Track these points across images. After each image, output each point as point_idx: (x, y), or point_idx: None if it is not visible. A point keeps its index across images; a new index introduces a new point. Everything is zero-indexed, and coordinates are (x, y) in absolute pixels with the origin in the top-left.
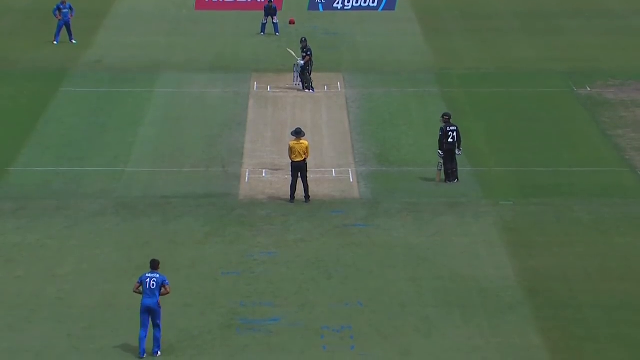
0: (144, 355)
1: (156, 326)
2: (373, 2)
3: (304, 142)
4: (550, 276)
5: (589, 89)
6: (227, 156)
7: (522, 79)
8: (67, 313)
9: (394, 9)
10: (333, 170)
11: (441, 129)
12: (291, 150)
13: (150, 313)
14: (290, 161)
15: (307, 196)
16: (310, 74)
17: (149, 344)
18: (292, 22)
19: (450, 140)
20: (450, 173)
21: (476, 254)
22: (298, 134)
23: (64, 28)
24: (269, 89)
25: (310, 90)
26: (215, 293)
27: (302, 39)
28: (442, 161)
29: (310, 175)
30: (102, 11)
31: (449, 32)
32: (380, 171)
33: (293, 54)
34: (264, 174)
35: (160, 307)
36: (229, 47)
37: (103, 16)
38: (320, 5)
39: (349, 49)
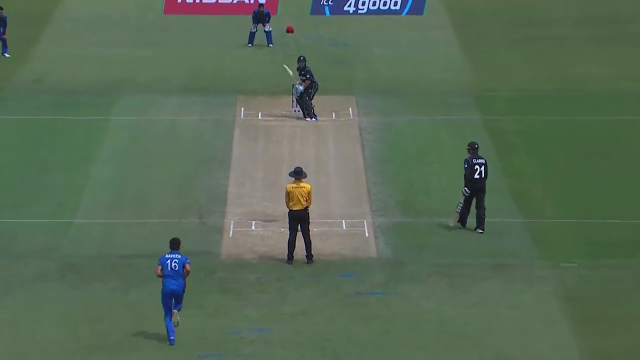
0: (174, 342)
1: (178, 304)
2: (395, 5)
3: (305, 185)
4: None
5: None
6: (205, 203)
7: (587, 103)
8: None
9: (421, 13)
10: (343, 221)
11: (466, 161)
12: (289, 195)
13: (175, 297)
14: (288, 210)
15: (309, 255)
16: (311, 99)
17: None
18: (289, 30)
19: (477, 176)
20: (478, 219)
21: (530, 330)
22: (298, 174)
23: None
24: (259, 117)
25: (313, 119)
26: None
27: (299, 58)
28: (462, 203)
29: (313, 229)
30: (44, 15)
31: (493, 42)
32: (405, 223)
33: (290, 71)
34: (253, 227)
35: (184, 290)
36: (208, 62)
37: (45, 21)
38: (326, 9)
39: (363, 64)
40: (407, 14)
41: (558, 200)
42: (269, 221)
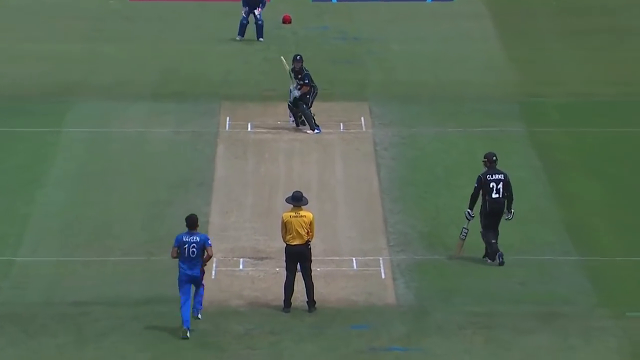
0: (188, 325)
1: (198, 288)
2: None
3: (306, 214)
4: None
5: None
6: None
7: None
8: None
9: None
10: (354, 259)
11: (479, 179)
12: (286, 227)
13: (193, 282)
14: (285, 245)
15: (311, 302)
16: (310, 106)
17: None
18: (286, 21)
19: (495, 195)
20: (493, 248)
21: None
22: (297, 201)
23: None
24: (249, 128)
25: (315, 130)
26: None
27: (295, 58)
28: (467, 227)
29: (316, 268)
30: None
31: (541, 35)
32: (430, 261)
33: (287, 65)
34: (240, 266)
35: (203, 274)
36: (184, 60)
37: None
38: None
39: (378, 63)
40: (434, 0)
41: (623, 233)
42: (261, 259)
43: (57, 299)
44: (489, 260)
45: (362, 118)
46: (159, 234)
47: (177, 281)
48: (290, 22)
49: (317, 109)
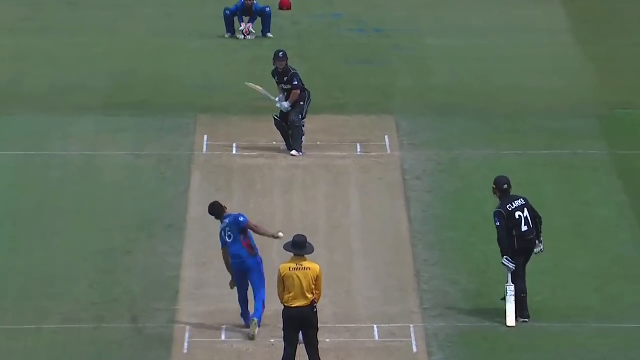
0: (248, 321)
1: (257, 291)
2: None
3: (310, 265)
4: None
5: None
6: (141, 297)
7: None
8: None
9: None
10: (375, 327)
11: (497, 215)
12: (284, 283)
13: (246, 270)
14: (283, 307)
15: None
16: (304, 117)
17: None
18: (285, 6)
19: (525, 228)
20: (517, 299)
21: None
22: (299, 248)
23: None
24: (234, 150)
25: (297, 152)
26: None
27: (277, 55)
28: (514, 283)
29: (324, 339)
30: None
31: (632, 26)
32: (478, 329)
33: (258, 88)
34: (223, 336)
35: (254, 257)
36: (147, 60)
37: None
38: None
39: (407, 62)
40: None
41: None
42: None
43: None
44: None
45: (386, 137)
46: (112, 294)
47: None
48: (289, 8)
49: (326, 123)
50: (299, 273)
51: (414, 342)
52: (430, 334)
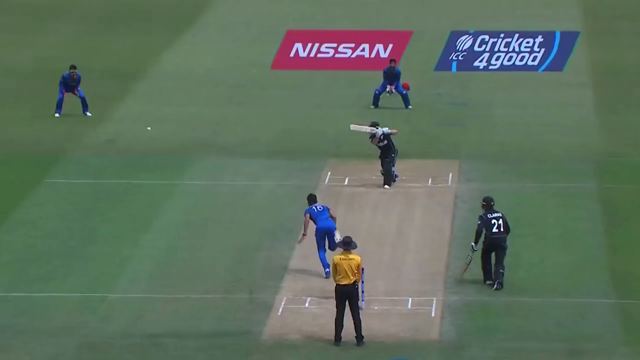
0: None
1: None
2: (533, 60)
3: (354, 257)
4: None
5: None
6: (260, 277)
7: None
8: None
9: (561, 69)
10: (409, 299)
11: (480, 218)
12: (336, 268)
13: (328, 233)
14: (335, 284)
15: (359, 336)
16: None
17: None
18: (405, 88)
19: (496, 230)
20: (496, 274)
21: None
22: (347, 245)
23: (75, 95)
24: (345, 182)
25: (386, 186)
26: None
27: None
28: (471, 254)
29: (374, 307)
30: (139, 71)
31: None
32: (478, 302)
33: (362, 128)
34: (306, 304)
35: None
36: (303, 122)
37: (137, 77)
38: (453, 64)
39: (478, 125)
40: (544, 70)
41: None
42: (326, 298)
43: (134, 332)
44: (487, 282)
45: (450, 174)
46: (240, 275)
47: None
48: (408, 89)
49: (410, 165)
50: (346, 262)
51: (433, 310)
52: (445, 305)
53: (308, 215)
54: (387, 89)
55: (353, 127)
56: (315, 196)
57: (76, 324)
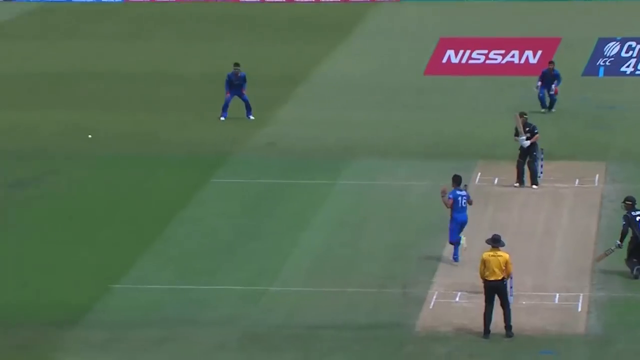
0: (456, 257)
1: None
2: None
3: (502, 254)
4: None
5: None
6: (413, 273)
7: None
8: None
9: None
10: (556, 295)
11: (625, 217)
12: (484, 264)
13: (462, 227)
14: (483, 280)
15: (508, 327)
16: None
17: None
18: (555, 93)
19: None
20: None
21: None
22: (495, 242)
23: (239, 99)
24: (495, 182)
25: (534, 186)
26: None
27: (521, 114)
28: (614, 248)
29: (522, 302)
30: (300, 76)
31: None
32: (624, 297)
33: (519, 123)
34: (457, 298)
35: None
36: (456, 126)
37: (298, 83)
38: (600, 69)
39: (625, 128)
40: None
41: None
42: (476, 293)
43: (293, 323)
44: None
45: (597, 175)
46: (394, 271)
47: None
48: (557, 94)
49: (558, 166)
50: (494, 259)
51: (579, 305)
52: (592, 300)
53: (451, 201)
54: (550, 88)
55: (516, 117)
56: (461, 177)
57: (240, 315)
